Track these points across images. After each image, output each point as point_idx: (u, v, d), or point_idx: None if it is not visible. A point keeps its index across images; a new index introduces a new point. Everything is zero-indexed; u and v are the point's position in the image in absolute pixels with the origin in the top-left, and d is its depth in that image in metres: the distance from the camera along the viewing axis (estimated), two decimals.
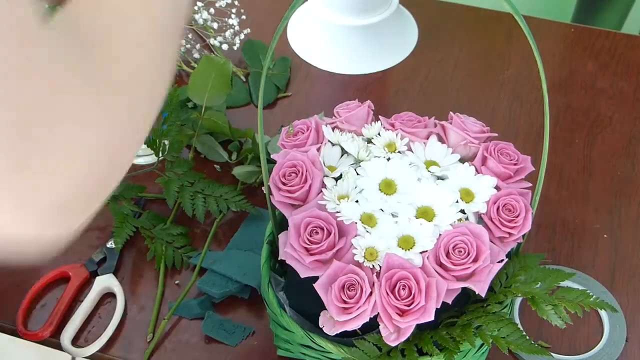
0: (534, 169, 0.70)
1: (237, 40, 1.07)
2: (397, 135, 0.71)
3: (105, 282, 0.82)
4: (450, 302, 0.62)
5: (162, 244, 0.83)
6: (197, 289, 0.81)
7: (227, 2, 1.09)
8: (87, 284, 0.82)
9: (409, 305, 0.60)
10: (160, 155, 0.87)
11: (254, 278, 0.80)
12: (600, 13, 1.46)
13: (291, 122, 0.74)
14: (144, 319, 0.80)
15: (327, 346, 0.65)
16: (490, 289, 0.65)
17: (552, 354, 0.75)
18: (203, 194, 0.85)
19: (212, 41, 1.06)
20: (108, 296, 0.82)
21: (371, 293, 0.61)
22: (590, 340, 0.78)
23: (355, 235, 0.63)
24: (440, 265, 0.62)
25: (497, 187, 0.67)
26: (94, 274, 0.83)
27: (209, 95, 0.90)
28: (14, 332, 0.79)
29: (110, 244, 0.84)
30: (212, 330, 0.78)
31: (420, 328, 0.62)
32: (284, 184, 0.67)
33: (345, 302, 0.61)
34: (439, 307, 0.60)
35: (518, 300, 0.80)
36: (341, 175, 0.68)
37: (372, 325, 0.62)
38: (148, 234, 0.84)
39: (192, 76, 0.91)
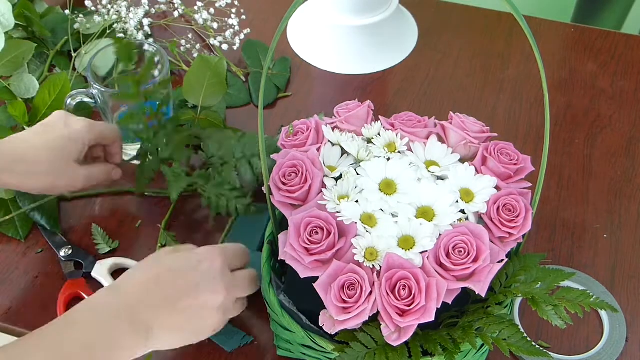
0: (534, 169, 0.70)
1: (237, 40, 1.07)
2: (397, 135, 0.71)
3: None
4: (450, 302, 0.62)
5: (215, 194, 0.83)
6: None
7: (227, 2, 1.09)
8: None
9: (409, 306, 0.60)
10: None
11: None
12: (600, 13, 1.46)
13: (291, 122, 0.74)
14: None
15: (328, 346, 0.65)
16: (490, 289, 0.65)
17: (552, 354, 0.75)
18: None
19: (212, 41, 1.06)
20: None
21: (371, 292, 0.61)
22: (590, 340, 0.78)
23: (355, 235, 0.63)
24: (441, 265, 0.62)
25: (497, 187, 0.67)
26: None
27: (204, 95, 0.90)
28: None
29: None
30: None
31: (420, 328, 0.62)
32: (284, 184, 0.67)
33: (345, 301, 0.61)
34: (439, 307, 0.60)
35: (518, 300, 0.80)
36: (341, 175, 0.68)
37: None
38: (202, 187, 0.84)
39: (186, 76, 0.90)
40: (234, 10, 1.08)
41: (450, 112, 0.73)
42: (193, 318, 0.67)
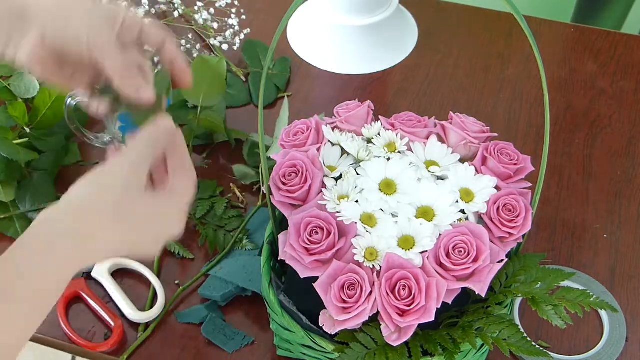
0: (534, 169, 0.70)
1: (237, 40, 1.07)
2: (397, 135, 0.71)
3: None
4: (450, 302, 0.62)
5: (213, 228, 0.86)
6: (200, 295, 0.81)
7: (227, 2, 1.08)
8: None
9: (409, 306, 0.60)
10: None
11: (259, 283, 0.79)
12: (600, 13, 1.46)
13: (291, 122, 0.74)
14: None
15: (328, 346, 0.65)
16: (490, 289, 0.65)
17: (552, 354, 0.75)
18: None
19: (212, 41, 1.06)
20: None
21: (371, 292, 0.61)
22: (590, 340, 0.78)
23: (355, 235, 0.63)
24: (441, 265, 0.62)
25: (497, 187, 0.67)
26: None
27: (204, 95, 0.90)
28: None
29: None
30: (212, 334, 0.78)
31: (420, 328, 0.62)
32: (284, 184, 0.67)
33: (345, 301, 0.61)
34: (439, 307, 0.60)
35: (518, 300, 0.80)
36: (341, 175, 0.68)
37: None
38: (201, 219, 0.86)
39: None
40: (234, 10, 1.08)
41: (450, 112, 0.73)
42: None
